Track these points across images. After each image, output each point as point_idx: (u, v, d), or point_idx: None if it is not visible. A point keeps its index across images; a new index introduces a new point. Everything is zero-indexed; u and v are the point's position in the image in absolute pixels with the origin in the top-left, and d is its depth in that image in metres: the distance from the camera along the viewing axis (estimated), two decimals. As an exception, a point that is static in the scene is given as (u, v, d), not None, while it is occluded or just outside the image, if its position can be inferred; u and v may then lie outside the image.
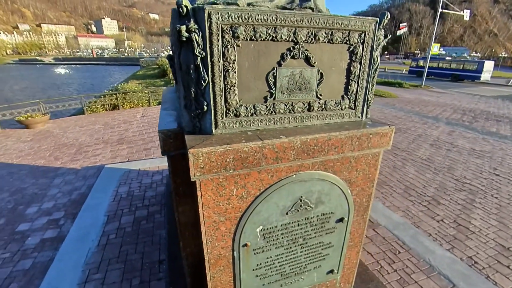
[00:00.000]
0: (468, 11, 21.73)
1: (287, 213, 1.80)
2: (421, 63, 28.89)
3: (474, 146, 7.61)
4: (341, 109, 1.81)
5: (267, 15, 1.43)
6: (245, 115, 1.59)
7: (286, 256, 1.95)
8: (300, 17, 1.49)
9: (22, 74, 56.81)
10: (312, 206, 1.85)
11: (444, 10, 21.34)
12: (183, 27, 1.36)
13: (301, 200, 1.80)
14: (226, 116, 1.56)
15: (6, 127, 9.29)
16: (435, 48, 21.19)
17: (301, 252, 2.00)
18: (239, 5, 1.41)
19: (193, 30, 1.37)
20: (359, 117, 1.89)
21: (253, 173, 1.58)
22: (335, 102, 1.78)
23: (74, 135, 8.51)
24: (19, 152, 7.17)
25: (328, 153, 1.69)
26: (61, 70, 64.03)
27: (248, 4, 1.46)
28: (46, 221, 4.20)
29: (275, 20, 1.45)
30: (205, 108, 1.51)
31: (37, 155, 6.98)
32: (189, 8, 1.36)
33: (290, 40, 1.53)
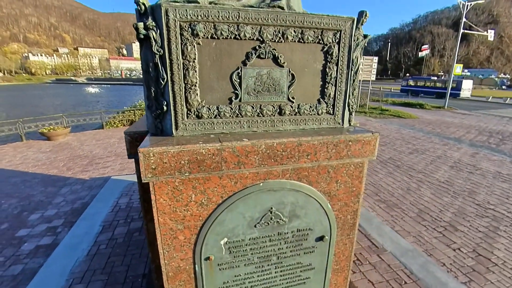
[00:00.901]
0: (492, 31, 21.04)
1: (255, 226, 1.63)
2: (411, 82, 33.95)
3: (500, 169, 6.97)
4: (318, 114, 1.68)
5: (229, 12, 1.38)
6: (208, 116, 1.50)
7: (258, 276, 1.76)
8: (265, 15, 1.42)
9: (57, 92, 61.67)
10: (285, 219, 1.68)
11: (466, 31, 20.82)
12: (141, 24, 1.34)
13: (271, 212, 1.63)
14: (187, 117, 1.48)
15: (30, 138, 9.88)
16: (458, 69, 20.49)
17: (276, 272, 1.80)
18: (199, 3, 1.38)
19: (150, 27, 1.34)
20: (339, 123, 1.74)
21: (213, 178, 1.46)
22: (310, 106, 1.65)
23: (89, 147, 8.86)
24: (36, 162, 7.52)
25: (300, 161, 1.54)
26: (92, 89, 68.79)
27: (210, 2, 1.42)
28: (45, 228, 4.24)
29: (237, 17, 1.39)
30: (165, 108, 1.45)
31: (51, 165, 7.28)
32: (147, 5, 1.35)
33: (255, 38, 1.46)
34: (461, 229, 4.18)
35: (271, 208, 1.62)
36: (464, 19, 18.61)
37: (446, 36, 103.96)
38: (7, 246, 3.78)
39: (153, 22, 1.34)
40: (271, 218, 1.65)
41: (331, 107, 1.69)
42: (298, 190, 1.64)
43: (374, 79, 19.09)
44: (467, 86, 28.14)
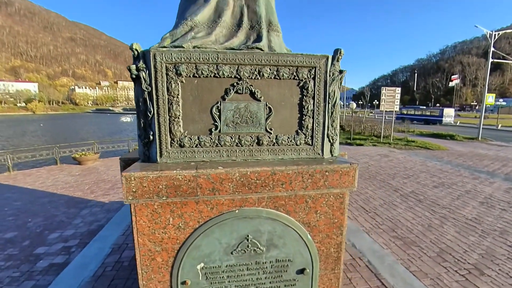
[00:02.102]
0: (526, 60, 20.09)
1: (232, 253, 1.66)
2: (404, 111, 38.39)
3: (540, 208, 6.26)
4: (296, 144, 1.75)
5: (209, 54, 1.57)
6: (190, 146, 1.64)
7: (235, 307, 1.74)
8: (242, 56, 1.59)
9: (96, 121, 67.42)
10: (262, 248, 1.69)
11: (497, 60, 20.11)
12: (133, 66, 1.57)
13: (248, 240, 1.66)
14: (171, 146, 1.63)
15: (64, 162, 10.77)
16: (490, 99, 19.50)
17: (254, 304, 1.77)
18: (184, 47, 1.59)
19: (141, 68, 1.57)
20: (319, 153, 1.79)
21: (190, 203, 1.56)
22: (288, 137, 1.74)
23: (114, 172, 9.43)
24: (65, 184, 8.12)
25: (274, 189, 1.60)
26: (126, 118, 74.26)
27: (194, 47, 1.63)
28: (61, 247, 4.48)
29: (216, 59, 1.58)
30: (151, 137, 1.62)
31: (78, 187, 7.81)
32: (139, 51, 1.58)
33: (233, 76, 1.62)
34: (488, 273, 3.74)
35: (248, 235, 1.65)
36: (492, 49, 18.09)
37: (477, 66, 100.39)
38: (24, 262, 4.03)
39: (144, 64, 1.57)
40: (248, 246, 1.67)
41: (309, 138, 1.76)
42: (275, 219, 1.66)
43: (397, 109, 18.69)
44: (448, 114, 32.29)
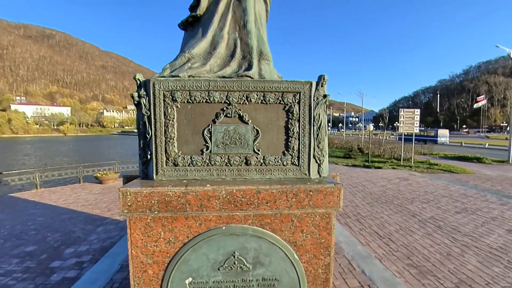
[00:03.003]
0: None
1: (219, 269, 1.72)
2: (405, 133, 41.47)
3: None
4: (283, 164, 1.84)
5: (201, 82, 1.75)
6: (183, 165, 1.79)
7: (223, 325, 1.76)
8: (231, 83, 1.76)
9: (121, 142, 70.94)
10: (248, 265, 1.74)
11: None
12: (135, 94, 1.79)
13: (234, 257, 1.72)
14: (166, 164, 1.79)
15: (86, 181, 11.37)
16: (519, 119, 18.43)
17: (242, 324, 1.78)
18: (180, 77, 1.79)
19: (142, 95, 1.77)
20: (305, 174, 1.86)
21: (180, 218, 1.67)
22: (275, 158, 1.84)
23: (131, 190, 9.78)
24: (85, 202, 8.54)
25: (260, 207, 1.67)
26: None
27: (189, 76, 1.83)
28: (74, 262, 4.68)
29: (208, 86, 1.76)
30: (149, 157, 1.79)
31: (96, 205, 8.18)
32: (141, 80, 1.80)
33: (223, 102, 1.78)
34: (513, 311, 3.41)
35: (234, 252, 1.72)
36: (516, 69, 17.43)
37: (505, 85, 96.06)
38: (40, 275, 4.24)
39: (144, 92, 1.78)
40: (234, 263, 1.72)
41: (296, 158, 1.85)
42: (261, 237, 1.72)
43: (417, 131, 18.14)
44: (443, 135, 35.53)
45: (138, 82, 1.80)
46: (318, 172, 1.90)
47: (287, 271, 1.77)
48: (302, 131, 1.83)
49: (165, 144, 1.77)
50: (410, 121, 18.19)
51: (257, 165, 1.82)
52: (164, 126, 1.76)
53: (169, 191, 1.61)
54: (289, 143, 1.84)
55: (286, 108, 1.83)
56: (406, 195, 9.28)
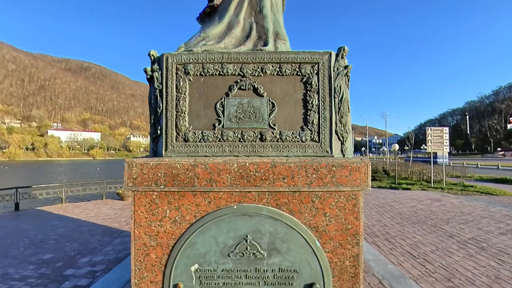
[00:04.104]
0: None
1: (229, 255, 1.51)
2: (409, 154, 42.58)
3: None
4: (302, 140, 1.67)
5: (214, 55, 1.69)
6: (193, 140, 1.67)
7: (233, 324, 1.51)
8: (245, 55, 1.68)
9: (144, 164, 73.49)
10: (262, 252, 1.51)
11: None
12: (148, 68, 1.75)
13: (246, 241, 1.51)
14: (176, 140, 1.68)
15: (109, 198, 11.60)
16: None
17: (255, 323, 1.52)
18: (193, 51, 1.74)
19: (155, 70, 1.74)
20: (327, 151, 1.66)
21: (188, 195, 1.52)
22: (293, 133, 1.67)
23: (150, 206, 9.79)
24: (105, 216, 8.61)
25: (275, 184, 1.49)
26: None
27: (203, 51, 1.77)
28: (88, 271, 4.57)
29: (221, 58, 1.68)
30: (159, 132, 1.70)
31: (115, 219, 8.21)
32: (155, 56, 1.77)
33: (237, 74, 1.69)
34: None
35: (247, 236, 1.51)
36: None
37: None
38: (53, 281, 4.16)
39: (158, 66, 1.74)
40: (247, 248, 1.51)
41: (316, 134, 1.67)
42: (277, 219, 1.51)
43: (447, 151, 17.01)
44: (441, 156, 37.88)
45: (152, 58, 1.77)
46: (342, 151, 1.70)
47: (308, 262, 1.52)
48: (322, 103, 1.67)
49: (175, 119, 1.68)
50: (438, 140, 17.18)
51: (273, 141, 1.67)
52: (176, 99, 1.68)
53: (176, 163, 1.48)
54: (308, 117, 1.67)
55: (304, 80, 1.69)
56: (440, 215, 8.47)
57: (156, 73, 1.72)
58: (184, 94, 1.68)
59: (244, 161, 1.48)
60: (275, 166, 1.49)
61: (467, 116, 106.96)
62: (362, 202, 1.53)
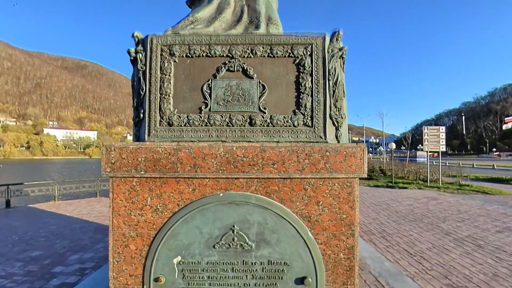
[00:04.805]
0: None
1: (214, 246, 1.40)
2: (395, 154, 44.73)
3: None
4: (294, 125, 1.56)
5: (201, 36, 1.58)
6: (178, 124, 1.56)
7: (218, 320, 1.41)
8: (234, 37, 1.57)
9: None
10: (250, 243, 1.41)
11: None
12: (132, 50, 1.64)
13: (233, 231, 1.41)
14: (159, 124, 1.57)
15: (103, 195, 11.42)
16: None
17: (242, 320, 1.41)
18: (180, 33, 1.63)
19: (139, 51, 1.63)
20: (321, 137, 1.56)
21: (171, 181, 1.41)
22: (285, 117, 1.57)
23: (144, 204, 9.65)
24: (98, 214, 8.45)
25: (264, 170, 1.39)
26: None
27: (191, 34, 1.66)
28: (77, 268, 4.44)
29: (209, 40, 1.58)
30: (142, 115, 1.59)
31: (108, 217, 8.06)
32: (139, 37, 1.66)
33: (225, 55, 1.59)
34: None
35: (233, 226, 1.41)
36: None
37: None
38: (40, 278, 4.02)
39: (142, 48, 1.63)
40: (233, 239, 1.41)
41: (309, 118, 1.57)
42: (267, 208, 1.41)
43: (443, 150, 17.04)
44: (421, 155, 41.96)
45: (136, 39, 1.66)
46: (336, 137, 1.60)
47: (300, 254, 1.41)
48: (316, 86, 1.56)
49: (159, 101, 1.57)
50: (435, 139, 17.20)
51: (263, 125, 1.56)
52: (160, 81, 1.57)
53: (158, 147, 1.37)
54: (300, 100, 1.57)
55: (297, 62, 1.59)
56: (436, 213, 8.43)
57: (140, 55, 1.61)
58: (169, 75, 1.57)
59: (231, 145, 1.38)
60: (265, 151, 1.38)
61: (463, 117, 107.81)
62: (357, 190, 1.43)
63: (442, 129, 17.66)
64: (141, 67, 1.60)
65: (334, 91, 1.58)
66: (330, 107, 1.57)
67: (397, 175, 19.46)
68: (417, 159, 44.16)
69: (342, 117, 1.60)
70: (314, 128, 1.56)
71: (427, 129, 16.79)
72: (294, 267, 1.41)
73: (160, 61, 1.58)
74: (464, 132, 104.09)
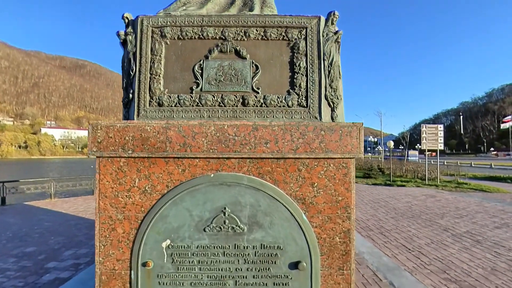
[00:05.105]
0: None
1: (205, 230, 1.35)
2: (387, 153, 45.63)
3: None
4: (288, 105, 1.51)
5: (194, 18, 1.53)
6: (169, 104, 1.51)
7: (209, 307, 1.35)
8: (227, 18, 1.52)
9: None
10: (242, 227, 1.35)
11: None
12: (122, 32, 1.59)
13: (224, 214, 1.35)
14: (149, 104, 1.52)
15: (99, 192, 11.34)
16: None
17: (234, 306, 1.36)
18: (171, 14, 1.58)
19: (129, 33, 1.57)
20: (316, 117, 1.51)
21: (159, 162, 1.35)
22: (279, 97, 1.52)
23: (141, 201, 9.57)
24: (94, 210, 8.37)
25: (257, 149, 1.33)
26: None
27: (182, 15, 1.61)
28: (71, 263, 4.37)
29: (201, 22, 1.52)
30: (131, 96, 1.53)
31: (105, 213, 7.98)
32: (130, 19, 1.60)
33: (217, 37, 1.54)
34: None
35: (225, 208, 1.35)
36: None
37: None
38: (33, 274, 3.95)
39: (132, 29, 1.57)
40: (225, 222, 1.35)
41: (303, 98, 1.52)
42: (259, 189, 1.36)
43: (442, 148, 17.04)
44: (412, 154, 44.29)
45: (126, 20, 1.61)
46: (332, 118, 1.55)
47: (294, 238, 1.36)
48: (311, 66, 1.51)
49: (149, 81, 1.52)
50: (433, 137, 17.22)
51: (256, 105, 1.51)
52: (150, 62, 1.52)
53: (146, 126, 1.32)
54: (295, 80, 1.52)
55: (291, 45, 1.54)
56: (435, 210, 8.42)
57: (130, 36, 1.56)
58: (160, 56, 1.52)
59: (222, 124, 1.32)
60: (257, 130, 1.33)
61: (461, 117, 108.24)
62: (353, 171, 1.38)
63: (440, 127, 17.67)
64: (131, 49, 1.55)
65: (329, 72, 1.53)
66: (326, 87, 1.52)
67: (395, 173, 19.49)
68: (409, 158, 44.96)
69: (338, 98, 1.55)
70: (309, 108, 1.51)
71: (426, 127, 16.80)
72: (288, 251, 1.36)
73: (151, 43, 1.53)
74: (462, 132, 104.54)
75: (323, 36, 1.54)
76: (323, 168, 1.38)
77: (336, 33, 1.57)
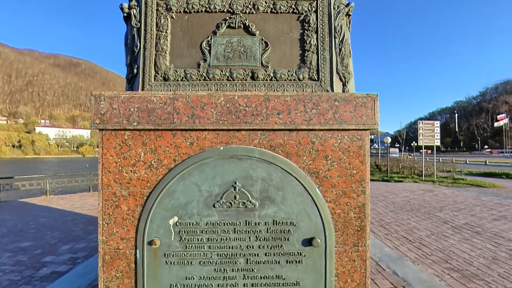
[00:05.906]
0: None
1: (214, 206, 1.29)
2: (372, 151, 45.99)
3: None
4: (299, 79, 1.46)
5: None
6: (175, 79, 1.44)
7: (218, 286, 1.29)
8: None
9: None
10: (254, 202, 1.30)
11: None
12: (125, 5, 1.52)
13: (235, 188, 1.29)
14: (154, 79, 1.45)
15: (96, 190, 11.17)
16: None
17: (244, 284, 1.30)
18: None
19: (133, 6, 1.50)
20: (327, 90, 1.46)
21: (166, 134, 1.29)
22: (289, 71, 1.46)
23: (139, 197, 9.47)
24: (91, 207, 8.25)
25: (269, 120, 1.27)
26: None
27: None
28: (68, 258, 4.27)
29: None
30: (135, 71, 1.46)
31: (102, 209, 7.87)
32: None
33: (225, 10, 1.47)
34: None
35: (235, 182, 1.29)
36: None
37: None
38: (29, 268, 3.86)
39: (136, 3, 1.50)
40: (235, 197, 1.29)
41: (315, 72, 1.46)
42: (271, 163, 1.30)
43: (438, 144, 17.15)
44: (393, 152, 45.43)
45: None
46: (344, 92, 1.49)
47: (307, 213, 1.31)
48: (322, 44, 1.46)
49: (155, 57, 1.45)
50: (430, 133, 17.32)
51: (266, 79, 1.45)
52: (156, 38, 1.45)
53: (152, 96, 1.25)
54: (305, 58, 1.46)
55: (301, 18, 1.48)
56: (433, 204, 8.46)
57: (134, 10, 1.48)
58: (166, 32, 1.45)
59: (232, 94, 1.26)
60: (269, 100, 1.27)
61: (456, 115, 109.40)
62: (368, 144, 1.33)
63: (437, 123, 17.76)
64: (136, 24, 1.48)
65: (340, 49, 1.48)
66: (337, 64, 1.46)
67: (392, 170, 19.61)
68: (390, 155, 46.61)
69: (349, 73, 1.50)
70: (321, 81, 1.46)
71: (422, 123, 16.89)
72: (301, 227, 1.30)
73: (156, 17, 1.46)
74: (456, 130, 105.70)
75: (334, 8, 1.48)
76: (337, 141, 1.32)
77: (347, 5, 1.52)
